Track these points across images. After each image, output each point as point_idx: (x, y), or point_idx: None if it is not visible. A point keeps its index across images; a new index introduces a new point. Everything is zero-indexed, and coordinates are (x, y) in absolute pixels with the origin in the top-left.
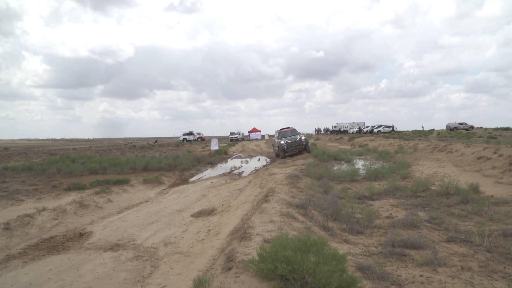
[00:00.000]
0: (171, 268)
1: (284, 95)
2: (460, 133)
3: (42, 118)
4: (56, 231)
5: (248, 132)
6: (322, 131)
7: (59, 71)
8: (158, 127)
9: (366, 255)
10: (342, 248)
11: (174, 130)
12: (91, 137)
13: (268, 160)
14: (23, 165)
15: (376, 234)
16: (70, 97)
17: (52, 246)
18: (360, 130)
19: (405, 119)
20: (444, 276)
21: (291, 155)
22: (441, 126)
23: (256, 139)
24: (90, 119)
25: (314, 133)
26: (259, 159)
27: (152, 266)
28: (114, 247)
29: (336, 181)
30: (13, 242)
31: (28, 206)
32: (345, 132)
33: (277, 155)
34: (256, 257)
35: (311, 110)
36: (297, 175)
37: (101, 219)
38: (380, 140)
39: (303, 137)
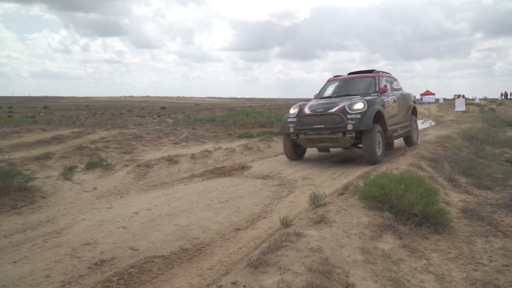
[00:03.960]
0: (302, 193)
1: (470, 54)
2: None
3: (225, 79)
4: (225, 164)
5: (421, 95)
6: (510, 96)
7: (242, 35)
8: None
9: (479, 204)
10: (460, 197)
11: None
12: (266, 97)
13: (433, 123)
14: (208, 117)
15: (505, 191)
16: (250, 59)
17: (222, 172)
18: None
19: None
20: None
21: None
22: None
23: (428, 103)
24: (266, 79)
25: (500, 98)
26: (423, 121)
27: (289, 191)
28: (264, 177)
29: (496, 145)
30: (196, 167)
31: (208, 146)
32: None
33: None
34: (361, 185)
35: (502, 71)
36: (449, 135)
37: (260, 159)
38: None
39: (361, 105)
